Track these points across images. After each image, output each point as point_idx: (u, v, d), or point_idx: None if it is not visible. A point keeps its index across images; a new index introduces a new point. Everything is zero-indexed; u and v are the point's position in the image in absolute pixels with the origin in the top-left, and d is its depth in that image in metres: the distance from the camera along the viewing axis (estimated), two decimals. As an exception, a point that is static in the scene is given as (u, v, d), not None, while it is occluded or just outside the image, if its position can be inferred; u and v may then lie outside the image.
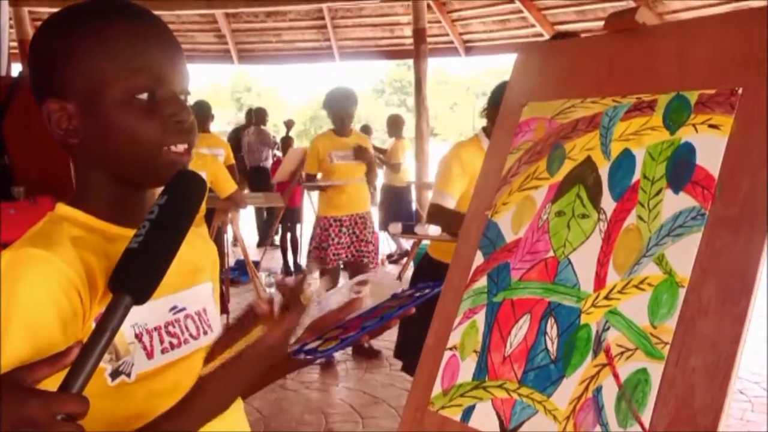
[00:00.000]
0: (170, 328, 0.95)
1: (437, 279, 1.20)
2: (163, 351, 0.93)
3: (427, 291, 1.11)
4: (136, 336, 0.90)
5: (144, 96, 0.88)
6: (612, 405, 0.89)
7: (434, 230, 2.85)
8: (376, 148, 9.26)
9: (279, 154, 8.97)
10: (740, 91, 0.91)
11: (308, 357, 1.17)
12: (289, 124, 9.10)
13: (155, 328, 0.92)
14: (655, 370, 0.86)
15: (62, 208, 0.93)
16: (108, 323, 0.75)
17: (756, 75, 0.90)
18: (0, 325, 0.79)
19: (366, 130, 10.03)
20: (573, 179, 1.06)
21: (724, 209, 0.87)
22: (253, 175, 8.74)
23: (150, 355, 0.91)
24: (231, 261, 6.48)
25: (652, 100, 1.00)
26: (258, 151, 8.85)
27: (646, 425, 0.85)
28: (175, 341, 0.95)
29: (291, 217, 7.75)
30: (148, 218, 0.80)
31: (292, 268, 7.68)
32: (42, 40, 0.91)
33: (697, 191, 0.91)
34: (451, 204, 2.88)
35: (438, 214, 2.88)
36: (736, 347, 0.81)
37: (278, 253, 7.88)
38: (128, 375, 0.88)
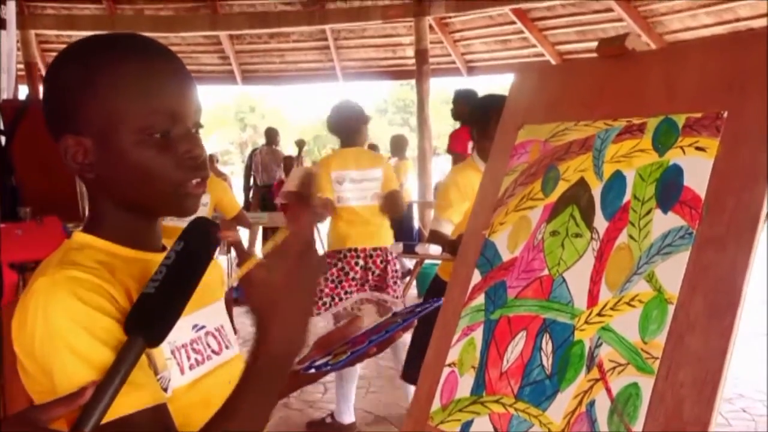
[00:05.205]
0: (195, 345, 0.99)
1: None
2: (190, 367, 0.96)
3: (427, 306, 1.15)
4: (171, 353, 0.93)
5: (159, 132, 0.91)
6: (605, 418, 0.92)
7: (435, 249, 2.91)
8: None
9: (282, 175, 9.05)
10: (725, 114, 0.94)
11: (320, 371, 1.21)
12: (300, 144, 9.15)
13: (182, 346, 0.96)
14: (646, 385, 0.89)
15: (80, 236, 0.96)
16: (122, 365, 0.78)
17: (740, 99, 0.93)
18: (64, 344, 0.81)
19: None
20: (567, 200, 1.09)
21: (710, 229, 0.90)
22: (264, 194, 8.82)
23: (182, 371, 0.95)
24: (235, 281, 6.51)
25: (642, 123, 1.04)
26: (271, 171, 8.94)
27: (638, 438, 0.88)
28: (200, 358, 0.99)
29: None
30: (164, 263, 0.84)
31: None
32: (58, 75, 0.93)
33: (685, 211, 0.94)
34: (448, 229, 2.98)
35: (436, 240, 2.99)
36: (722, 362, 0.84)
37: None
38: (165, 390, 0.91)
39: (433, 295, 3.16)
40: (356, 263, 3.83)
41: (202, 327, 1.02)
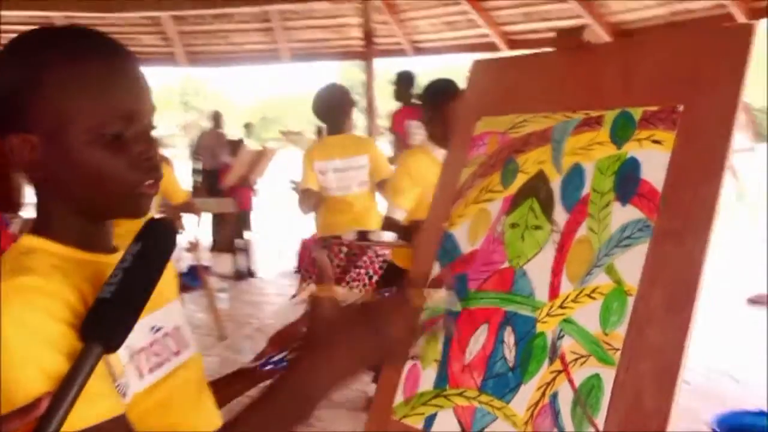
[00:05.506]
0: (154, 347, 0.97)
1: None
2: (150, 371, 0.94)
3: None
4: (130, 358, 0.91)
5: (113, 133, 0.88)
6: (568, 410, 0.93)
7: (389, 236, 2.91)
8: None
9: (228, 159, 8.92)
10: (681, 108, 0.96)
11: (278, 367, 1.19)
12: (248, 127, 9.02)
13: (141, 349, 0.94)
14: (608, 376, 0.91)
15: (29, 239, 0.92)
16: (79, 373, 0.76)
17: (696, 93, 0.95)
18: (18, 354, 0.78)
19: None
20: (526, 192, 1.10)
21: (668, 222, 0.92)
22: (209, 178, 8.70)
23: (141, 376, 0.92)
24: (183, 266, 6.42)
25: (600, 116, 1.05)
26: (216, 154, 8.80)
27: (600, 428, 0.89)
28: (159, 360, 0.97)
29: (242, 221, 7.73)
30: (121, 266, 0.81)
31: (245, 273, 7.65)
32: (5, 68, 0.89)
33: (643, 204, 0.95)
34: (401, 215, 2.99)
35: (389, 227, 3.00)
36: (681, 353, 0.86)
37: (229, 257, 7.83)
38: (124, 395, 0.88)
39: (388, 282, 3.18)
40: (340, 250, 3.80)
41: (160, 329, 1.00)
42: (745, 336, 4.86)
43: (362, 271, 3.73)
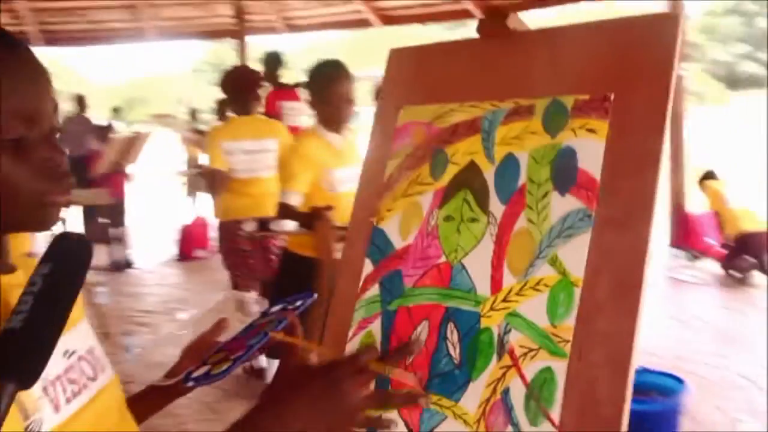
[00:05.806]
0: (69, 374, 0.88)
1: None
2: (67, 401, 0.86)
3: (299, 303, 1.09)
4: (43, 390, 0.82)
5: (13, 137, 0.78)
6: (521, 405, 0.92)
7: (289, 225, 2.83)
8: (199, 132, 9.01)
9: (95, 145, 8.45)
10: (612, 96, 0.96)
11: (203, 382, 1.12)
12: (117, 110, 8.56)
13: (56, 378, 0.85)
14: (560, 368, 0.91)
15: None
16: None
17: (626, 81, 0.95)
18: None
19: (193, 113, 9.72)
20: (459, 184, 1.08)
21: (608, 211, 0.92)
22: (76, 166, 8.20)
23: (57, 408, 0.83)
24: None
25: (530, 105, 1.03)
26: (83, 141, 8.30)
27: (556, 422, 0.89)
28: (76, 388, 0.88)
29: (117, 209, 7.38)
30: (29, 291, 0.72)
31: (122, 264, 7.33)
32: None
33: (582, 193, 0.95)
34: (296, 200, 2.93)
35: (286, 214, 2.92)
36: (632, 340, 0.87)
37: (104, 248, 7.46)
38: None
39: (290, 271, 3.10)
40: (243, 236, 3.70)
41: (73, 352, 0.91)
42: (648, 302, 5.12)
43: (270, 256, 3.66)
